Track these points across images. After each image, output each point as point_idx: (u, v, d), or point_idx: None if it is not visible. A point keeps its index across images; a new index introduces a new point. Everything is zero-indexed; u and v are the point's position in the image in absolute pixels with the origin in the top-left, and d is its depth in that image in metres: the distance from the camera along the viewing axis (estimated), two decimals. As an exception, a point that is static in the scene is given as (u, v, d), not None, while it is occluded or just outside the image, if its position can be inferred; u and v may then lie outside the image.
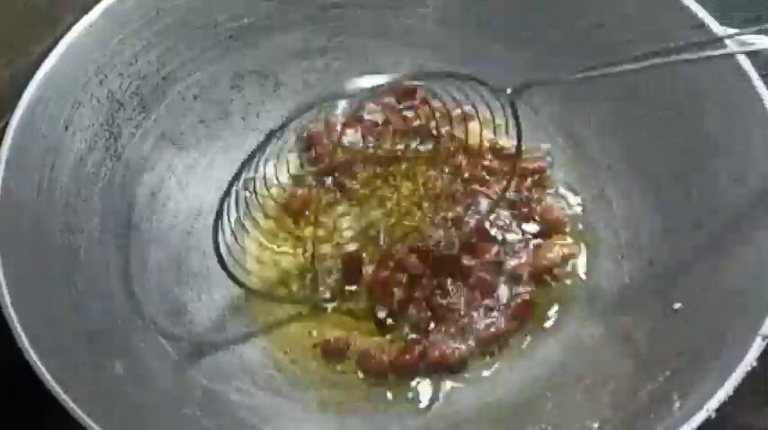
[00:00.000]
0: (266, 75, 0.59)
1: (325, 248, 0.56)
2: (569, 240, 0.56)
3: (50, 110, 0.50)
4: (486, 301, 0.53)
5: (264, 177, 0.54)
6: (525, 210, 0.57)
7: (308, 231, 0.56)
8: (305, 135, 0.59)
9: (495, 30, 0.58)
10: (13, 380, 0.44)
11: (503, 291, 0.54)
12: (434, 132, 0.56)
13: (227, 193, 0.47)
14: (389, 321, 0.53)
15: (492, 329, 0.53)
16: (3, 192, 0.46)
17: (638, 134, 0.55)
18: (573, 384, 0.51)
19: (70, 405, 0.41)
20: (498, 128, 0.52)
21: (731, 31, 0.49)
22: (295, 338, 0.55)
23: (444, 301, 0.53)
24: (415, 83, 0.54)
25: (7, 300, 0.43)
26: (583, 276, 0.55)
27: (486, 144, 0.57)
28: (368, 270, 0.54)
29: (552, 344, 0.53)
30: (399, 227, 0.55)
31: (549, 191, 0.58)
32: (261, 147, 0.45)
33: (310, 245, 0.55)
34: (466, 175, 0.57)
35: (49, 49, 0.50)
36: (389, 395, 0.52)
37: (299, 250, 0.56)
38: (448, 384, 0.52)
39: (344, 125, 0.57)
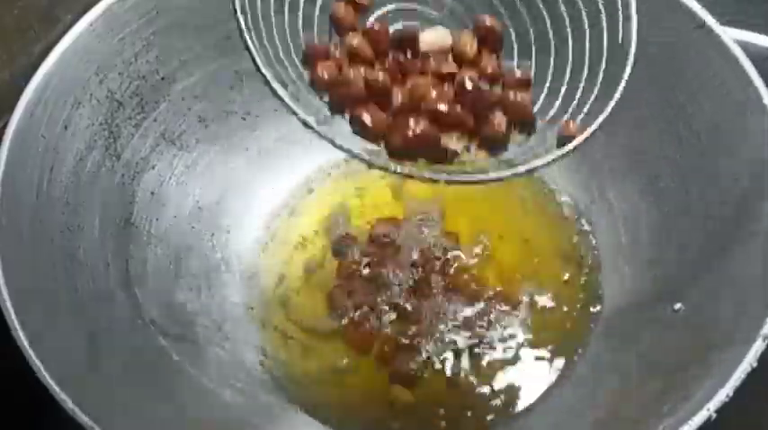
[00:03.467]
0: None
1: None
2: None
3: (50, 110, 0.50)
4: None
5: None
6: None
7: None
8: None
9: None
10: (11, 380, 0.44)
11: None
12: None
13: None
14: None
15: None
16: (2, 192, 0.46)
17: (638, 134, 0.55)
18: (573, 384, 0.51)
19: (69, 405, 0.41)
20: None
21: (731, 30, 0.49)
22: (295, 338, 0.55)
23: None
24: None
25: (7, 299, 0.43)
26: (583, 277, 0.55)
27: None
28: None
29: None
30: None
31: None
32: None
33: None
34: None
35: (49, 49, 0.50)
36: (390, 395, 0.53)
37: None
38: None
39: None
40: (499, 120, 0.42)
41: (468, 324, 0.54)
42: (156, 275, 0.54)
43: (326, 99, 0.42)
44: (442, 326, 0.54)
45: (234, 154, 0.59)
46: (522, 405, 0.52)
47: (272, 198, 0.60)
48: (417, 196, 0.58)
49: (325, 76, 0.42)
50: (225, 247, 0.58)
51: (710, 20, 0.50)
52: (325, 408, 0.52)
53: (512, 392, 0.52)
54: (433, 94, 0.41)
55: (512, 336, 0.54)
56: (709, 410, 0.40)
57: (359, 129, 0.42)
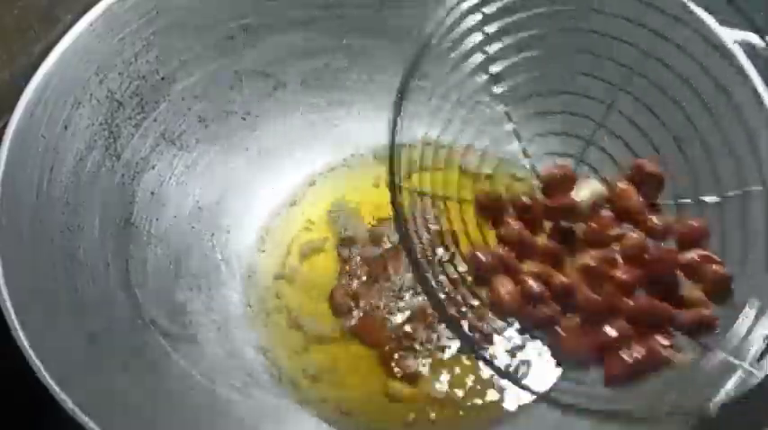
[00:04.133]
0: (266, 75, 0.59)
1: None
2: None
3: (50, 110, 0.50)
4: None
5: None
6: None
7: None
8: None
9: (497, 30, 0.58)
10: (11, 380, 0.44)
11: None
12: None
13: None
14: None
15: None
16: (2, 192, 0.46)
17: (638, 134, 0.55)
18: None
19: (69, 405, 0.41)
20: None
21: (731, 30, 0.49)
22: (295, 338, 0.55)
23: None
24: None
25: (7, 299, 0.43)
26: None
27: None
28: None
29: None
30: None
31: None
32: None
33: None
34: None
35: (49, 49, 0.50)
36: (389, 394, 0.53)
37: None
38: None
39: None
40: (697, 295, 0.35)
41: (467, 322, 0.54)
42: (156, 275, 0.54)
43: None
44: (441, 325, 0.54)
45: (234, 154, 0.59)
46: (522, 404, 0.52)
47: (273, 198, 0.60)
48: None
49: (511, 302, 0.37)
50: (225, 247, 0.58)
51: (710, 20, 0.50)
52: (325, 407, 0.52)
53: (512, 391, 0.52)
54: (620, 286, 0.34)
55: (511, 336, 0.54)
56: (709, 410, 0.39)
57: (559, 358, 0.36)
